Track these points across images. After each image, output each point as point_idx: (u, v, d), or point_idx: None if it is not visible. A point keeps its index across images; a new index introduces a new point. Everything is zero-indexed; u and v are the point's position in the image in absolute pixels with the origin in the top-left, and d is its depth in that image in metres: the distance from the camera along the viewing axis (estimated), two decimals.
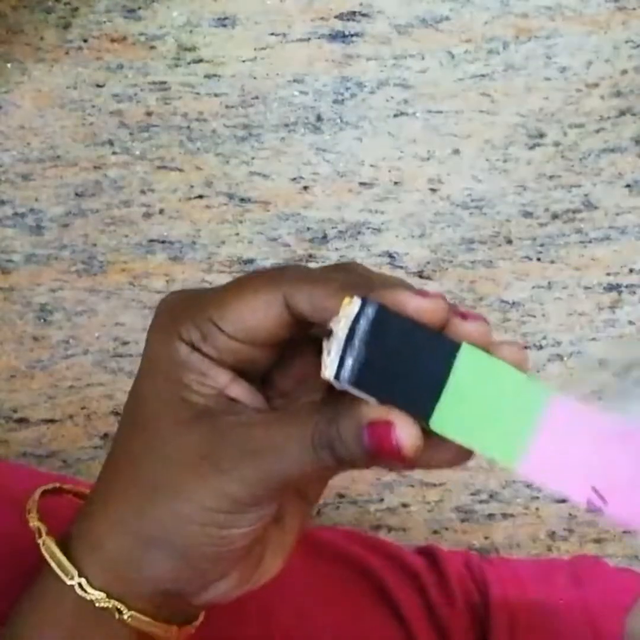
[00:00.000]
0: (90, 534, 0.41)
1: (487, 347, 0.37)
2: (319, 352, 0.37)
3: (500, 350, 0.37)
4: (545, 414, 0.36)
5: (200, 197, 0.79)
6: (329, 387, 0.38)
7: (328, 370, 0.36)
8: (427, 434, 0.36)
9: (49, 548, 0.41)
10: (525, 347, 0.82)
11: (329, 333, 0.36)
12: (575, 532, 0.80)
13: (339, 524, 0.79)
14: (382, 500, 0.79)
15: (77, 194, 0.78)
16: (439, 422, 0.36)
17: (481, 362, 0.36)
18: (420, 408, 0.36)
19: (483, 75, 0.79)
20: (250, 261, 0.79)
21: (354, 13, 0.78)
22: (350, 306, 0.36)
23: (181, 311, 0.40)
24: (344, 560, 0.60)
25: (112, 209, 0.78)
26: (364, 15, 0.78)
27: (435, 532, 0.80)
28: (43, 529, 0.42)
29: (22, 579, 0.45)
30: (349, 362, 0.36)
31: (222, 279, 0.79)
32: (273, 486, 0.38)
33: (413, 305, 0.36)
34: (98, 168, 0.78)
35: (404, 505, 0.80)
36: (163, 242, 0.79)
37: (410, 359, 0.36)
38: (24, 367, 0.79)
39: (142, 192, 0.79)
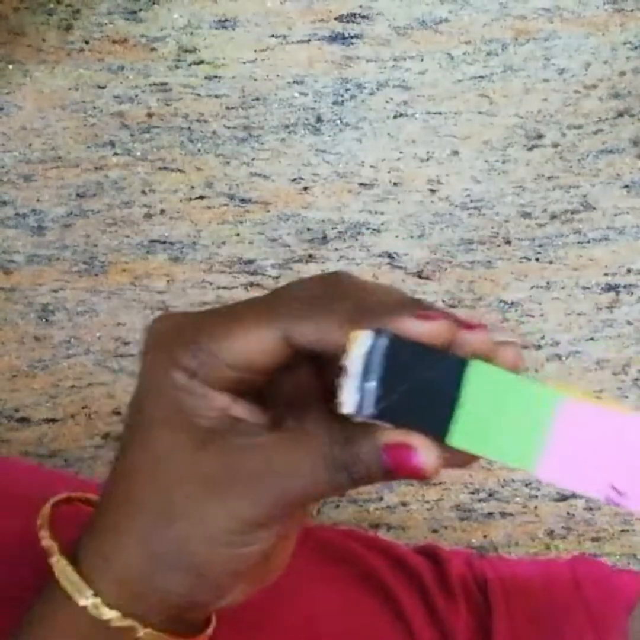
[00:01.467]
0: (102, 551, 0.41)
1: (490, 354, 0.37)
2: (314, 357, 0.38)
3: (501, 356, 0.37)
4: (557, 417, 0.37)
5: (201, 197, 0.79)
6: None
7: (346, 406, 0.36)
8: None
9: (63, 569, 0.41)
10: (524, 347, 0.82)
11: (339, 369, 0.36)
12: (573, 531, 0.80)
13: (339, 522, 0.79)
14: (381, 499, 0.80)
15: (78, 195, 0.79)
16: (456, 438, 0.36)
17: (490, 376, 0.37)
18: (437, 427, 0.36)
19: (482, 77, 0.79)
20: (251, 261, 0.80)
21: (353, 15, 0.78)
22: (360, 340, 0.36)
23: (176, 337, 0.40)
24: (346, 561, 0.60)
25: (113, 210, 0.79)
26: (363, 17, 0.78)
27: (434, 530, 0.80)
28: (56, 548, 0.41)
29: (18, 577, 0.45)
30: (367, 396, 0.36)
31: (223, 279, 0.79)
32: (288, 507, 0.38)
33: (420, 332, 0.37)
34: (99, 169, 0.79)
35: (404, 504, 0.80)
36: (164, 242, 0.79)
37: (423, 381, 0.36)
38: (26, 366, 0.79)
39: (143, 192, 0.79)
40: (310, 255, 0.80)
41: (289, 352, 0.38)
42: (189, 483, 0.39)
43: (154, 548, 0.39)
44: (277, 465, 0.38)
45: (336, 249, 0.80)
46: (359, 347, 0.36)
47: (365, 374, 0.36)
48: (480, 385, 0.37)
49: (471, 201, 0.80)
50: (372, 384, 0.36)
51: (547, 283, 0.81)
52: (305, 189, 0.79)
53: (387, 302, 0.39)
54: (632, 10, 0.79)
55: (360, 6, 0.78)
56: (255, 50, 0.78)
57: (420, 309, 0.37)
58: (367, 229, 0.80)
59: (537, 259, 0.81)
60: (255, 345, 0.38)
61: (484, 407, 0.37)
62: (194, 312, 0.41)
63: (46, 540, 0.42)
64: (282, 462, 0.38)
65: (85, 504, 0.46)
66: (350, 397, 0.36)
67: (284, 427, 0.40)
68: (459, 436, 0.36)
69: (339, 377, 0.36)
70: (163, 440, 0.39)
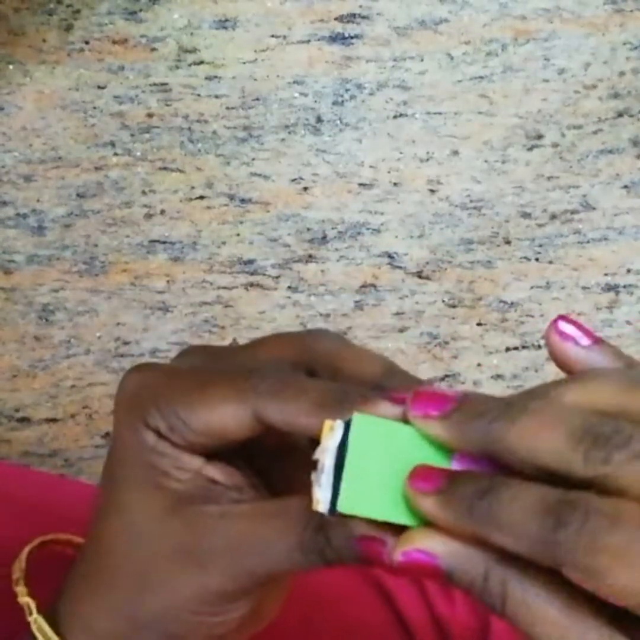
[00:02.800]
0: (80, 614, 0.40)
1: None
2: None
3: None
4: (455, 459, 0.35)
5: (201, 197, 0.79)
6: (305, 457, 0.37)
7: (321, 504, 0.34)
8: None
9: (41, 627, 0.40)
10: (524, 347, 0.82)
11: (314, 462, 0.34)
12: None
13: None
14: None
15: (78, 195, 0.79)
16: (343, 505, 0.34)
17: (369, 430, 0.35)
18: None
19: (482, 77, 0.79)
20: (251, 261, 0.80)
21: (353, 15, 0.78)
22: (332, 433, 0.34)
23: (147, 397, 0.39)
24: None
25: (113, 210, 0.79)
26: (363, 17, 0.78)
27: None
28: (33, 605, 0.41)
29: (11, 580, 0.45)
30: (341, 493, 0.34)
31: (223, 279, 0.79)
32: (260, 580, 0.37)
33: (392, 414, 0.35)
34: (99, 169, 0.79)
35: None
36: (164, 242, 0.79)
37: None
38: (26, 366, 0.79)
39: (143, 193, 0.79)
40: (310, 255, 0.80)
41: (262, 428, 0.37)
42: (159, 554, 0.38)
43: (132, 614, 0.39)
44: (249, 541, 0.37)
45: (336, 249, 0.80)
46: (331, 439, 0.34)
47: (338, 469, 0.34)
48: (362, 441, 0.35)
49: (471, 201, 0.80)
50: (346, 480, 0.34)
51: (547, 283, 0.81)
52: (305, 189, 0.79)
53: (363, 375, 0.38)
54: (631, 11, 0.79)
55: (360, 6, 0.78)
56: (255, 51, 0.78)
57: (393, 390, 0.36)
58: (367, 229, 0.80)
59: (537, 259, 0.81)
60: (227, 419, 0.37)
61: (367, 464, 0.34)
62: (168, 368, 0.40)
63: (23, 598, 0.41)
64: (255, 539, 0.37)
65: (63, 545, 0.45)
66: (323, 495, 0.34)
67: (260, 500, 0.39)
68: (346, 502, 0.34)
69: (313, 469, 0.34)
70: (135, 505, 0.39)
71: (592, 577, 0.31)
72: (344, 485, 0.34)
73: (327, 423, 0.34)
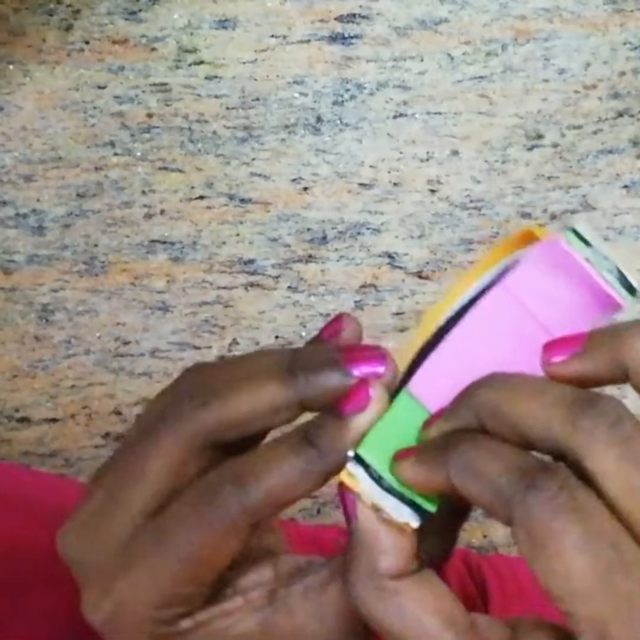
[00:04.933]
0: None
1: None
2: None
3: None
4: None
5: (201, 197, 0.79)
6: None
7: (411, 521, 0.36)
8: None
9: None
10: None
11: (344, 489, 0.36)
12: None
13: (339, 522, 0.79)
14: None
15: (78, 195, 0.79)
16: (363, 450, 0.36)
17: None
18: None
19: (482, 77, 0.79)
20: (251, 261, 0.80)
21: (353, 15, 0.78)
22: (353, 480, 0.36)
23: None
24: None
25: (113, 210, 0.79)
26: (363, 17, 0.78)
27: None
28: None
29: (17, 580, 0.45)
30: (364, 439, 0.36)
31: (223, 279, 0.79)
32: None
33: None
34: (99, 169, 0.79)
35: None
36: (164, 242, 0.79)
37: None
38: (26, 366, 0.79)
39: (143, 193, 0.79)
40: (310, 256, 0.80)
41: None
42: None
43: None
44: None
45: (336, 249, 0.80)
46: (356, 481, 0.36)
47: (383, 493, 0.36)
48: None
49: (471, 201, 0.80)
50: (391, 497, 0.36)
51: None
52: (305, 189, 0.79)
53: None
54: (632, 11, 0.79)
55: (360, 6, 0.78)
56: (255, 51, 0.78)
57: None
58: (367, 229, 0.80)
59: None
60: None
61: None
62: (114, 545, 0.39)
63: None
64: None
65: None
66: (401, 512, 0.35)
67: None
68: (364, 447, 0.36)
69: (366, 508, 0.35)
70: None
71: (532, 548, 0.31)
72: (367, 437, 0.36)
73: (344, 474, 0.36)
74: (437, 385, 0.36)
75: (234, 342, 0.80)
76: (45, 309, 0.79)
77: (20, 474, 0.64)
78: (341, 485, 0.36)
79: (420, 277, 0.81)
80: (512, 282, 0.36)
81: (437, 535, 0.38)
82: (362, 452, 0.36)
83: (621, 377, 0.35)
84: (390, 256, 0.80)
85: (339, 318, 0.39)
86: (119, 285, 0.79)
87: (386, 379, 0.37)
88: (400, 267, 0.81)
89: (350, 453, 0.36)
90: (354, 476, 0.35)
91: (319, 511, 0.80)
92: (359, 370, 0.37)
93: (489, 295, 0.36)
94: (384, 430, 0.36)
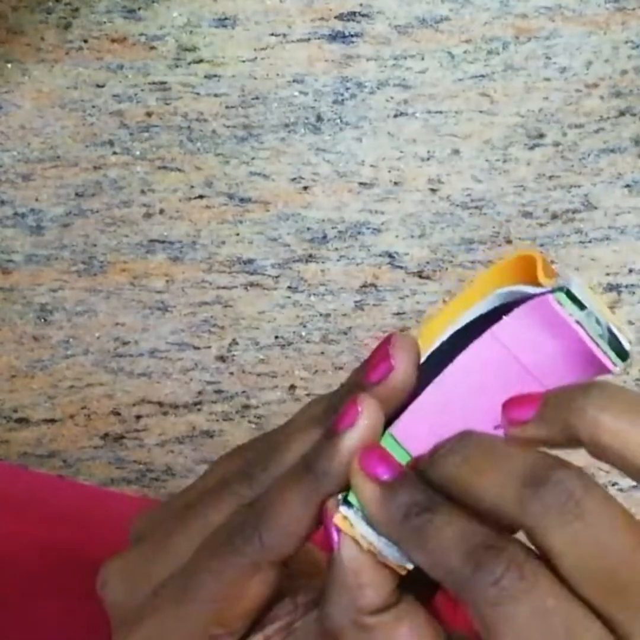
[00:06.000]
0: None
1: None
2: None
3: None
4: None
5: (201, 197, 0.79)
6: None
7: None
8: None
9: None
10: None
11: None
12: None
13: None
14: None
15: (77, 194, 0.79)
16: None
17: None
18: None
19: (483, 76, 0.79)
20: (251, 261, 0.79)
21: (354, 13, 0.78)
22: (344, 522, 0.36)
23: None
24: None
25: (112, 209, 0.79)
26: (364, 15, 0.78)
27: None
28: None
29: (17, 582, 0.45)
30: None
31: (223, 279, 0.79)
32: None
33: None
34: (98, 168, 0.78)
35: None
36: (163, 242, 0.79)
37: None
38: (24, 367, 0.79)
39: (142, 192, 0.79)
40: (310, 255, 0.80)
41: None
42: None
43: None
44: None
45: (336, 249, 0.80)
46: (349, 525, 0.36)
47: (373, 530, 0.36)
48: None
49: (472, 200, 0.80)
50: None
51: None
52: (305, 188, 0.79)
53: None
54: (633, 9, 0.78)
55: (361, 5, 0.78)
56: (255, 49, 0.78)
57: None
58: (367, 228, 0.80)
59: None
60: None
61: None
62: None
63: None
64: None
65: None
66: (396, 554, 0.35)
67: None
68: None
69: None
70: None
71: (485, 631, 0.31)
72: None
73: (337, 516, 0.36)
74: (420, 432, 0.37)
75: (234, 342, 0.80)
76: (44, 309, 0.79)
77: (19, 474, 0.64)
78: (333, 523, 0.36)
79: (420, 276, 0.80)
80: (501, 331, 0.36)
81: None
82: (351, 497, 0.36)
83: (577, 443, 0.35)
84: (390, 256, 0.80)
85: (386, 342, 0.38)
86: (118, 285, 0.79)
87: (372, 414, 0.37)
88: (401, 267, 0.80)
89: (340, 496, 0.36)
90: (348, 519, 0.35)
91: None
92: (371, 380, 0.37)
93: (477, 342, 0.36)
94: None
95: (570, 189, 0.80)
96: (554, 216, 0.80)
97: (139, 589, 0.38)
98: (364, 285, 0.80)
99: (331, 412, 0.37)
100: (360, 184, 0.80)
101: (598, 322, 0.35)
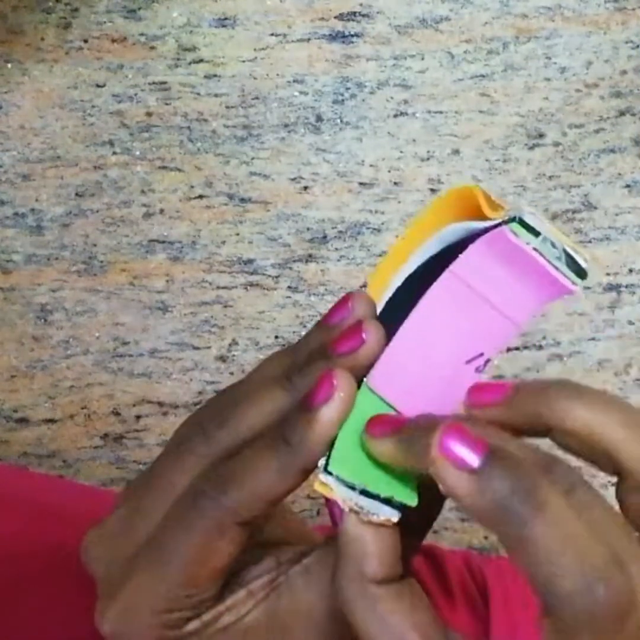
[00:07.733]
0: None
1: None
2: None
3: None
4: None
5: (201, 197, 0.79)
6: None
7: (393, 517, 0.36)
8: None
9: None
10: (525, 347, 0.82)
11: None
12: None
13: None
14: None
15: (77, 194, 0.78)
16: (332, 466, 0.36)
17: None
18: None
19: (483, 76, 0.79)
20: (251, 261, 0.79)
21: (354, 13, 0.78)
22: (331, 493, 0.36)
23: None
24: None
25: (112, 209, 0.79)
26: (364, 15, 0.78)
27: (434, 531, 0.80)
28: None
29: (18, 582, 0.45)
30: (331, 455, 0.36)
31: (222, 279, 0.79)
32: None
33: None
34: (98, 168, 0.78)
35: None
36: (163, 242, 0.79)
37: None
38: (25, 367, 0.79)
39: (142, 192, 0.79)
40: (310, 255, 0.80)
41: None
42: None
43: None
44: None
45: (336, 249, 0.80)
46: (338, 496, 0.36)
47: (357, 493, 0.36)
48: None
49: None
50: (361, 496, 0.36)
51: None
52: (305, 188, 0.79)
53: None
54: (633, 9, 0.78)
55: (361, 5, 0.78)
56: (255, 49, 0.78)
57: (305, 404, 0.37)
58: (367, 228, 0.80)
59: None
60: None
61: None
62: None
63: None
64: None
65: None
66: (379, 510, 0.36)
67: None
68: (334, 463, 0.36)
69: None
70: None
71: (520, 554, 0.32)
72: (334, 449, 0.36)
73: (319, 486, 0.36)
74: (396, 379, 0.37)
75: (234, 342, 0.80)
76: (44, 309, 0.79)
77: (19, 474, 0.64)
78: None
79: None
80: (459, 267, 0.36)
81: (411, 531, 0.39)
82: (331, 463, 0.36)
83: (542, 432, 0.36)
84: None
85: (345, 299, 0.39)
86: (118, 285, 0.79)
87: (361, 356, 0.37)
88: None
89: (321, 462, 0.36)
90: (327, 485, 0.35)
91: (318, 512, 0.80)
92: (340, 351, 0.37)
93: (438, 282, 0.36)
94: (350, 432, 0.36)
95: (570, 188, 0.80)
96: (554, 216, 0.80)
97: (117, 554, 0.39)
98: (364, 286, 0.80)
99: (294, 372, 0.37)
100: (360, 184, 0.80)
101: (554, 245, 0.35)
